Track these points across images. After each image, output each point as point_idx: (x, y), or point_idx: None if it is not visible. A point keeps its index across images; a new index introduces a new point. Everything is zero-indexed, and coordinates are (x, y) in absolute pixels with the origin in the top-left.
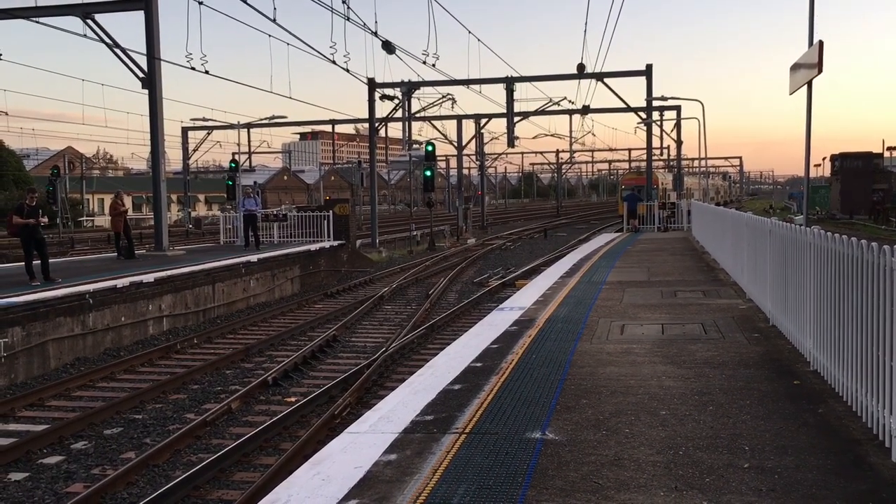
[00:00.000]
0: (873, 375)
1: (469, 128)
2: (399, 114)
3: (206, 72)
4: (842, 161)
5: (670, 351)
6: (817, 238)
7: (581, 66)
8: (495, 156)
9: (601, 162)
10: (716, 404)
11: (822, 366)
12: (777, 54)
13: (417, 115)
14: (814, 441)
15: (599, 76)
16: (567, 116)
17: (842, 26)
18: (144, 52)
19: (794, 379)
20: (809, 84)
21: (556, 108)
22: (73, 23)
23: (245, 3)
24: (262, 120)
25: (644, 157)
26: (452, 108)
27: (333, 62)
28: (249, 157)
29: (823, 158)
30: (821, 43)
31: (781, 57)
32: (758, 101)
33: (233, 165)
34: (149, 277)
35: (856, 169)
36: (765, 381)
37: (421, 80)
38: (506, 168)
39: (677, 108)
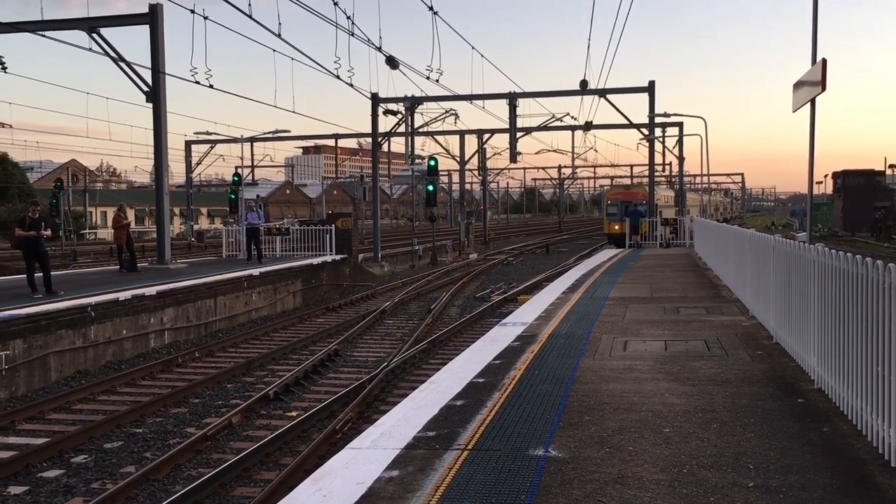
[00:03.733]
0: (878, 394)
1: (471, 143)
2: (402, 128)
3: (211, 86)
4: (844, 178)
5: (673, 368)
6: (821, 255)
7: (584, 83)
8: (497, 171)
9: (603, 178)
10: (720, 422)
11: (827, 384)
12: (780, 71)
13: (420, 130)
14: (819, 460)
15: (602, 92)
16: (569, 132)
17: (845, 43)
18: (149, 65)
19: (799, 397)
20: (813, 102)
21: (558, 123)
22: (79, 36)
23: (250, 18)
24: (265, 134)
25: (646, 173)
26: (455, 123)
27: (337, 77)
28: (252, 171)
29: (825, 175)
30: (824, 61)
31: (785, 73)
32: (760, 118)
33: (236, 179)
34: (151, 290)
35: (858, 186)
36: (769, 399)
37: (424, 95)
38: (508, 183)
39: (679, 125)
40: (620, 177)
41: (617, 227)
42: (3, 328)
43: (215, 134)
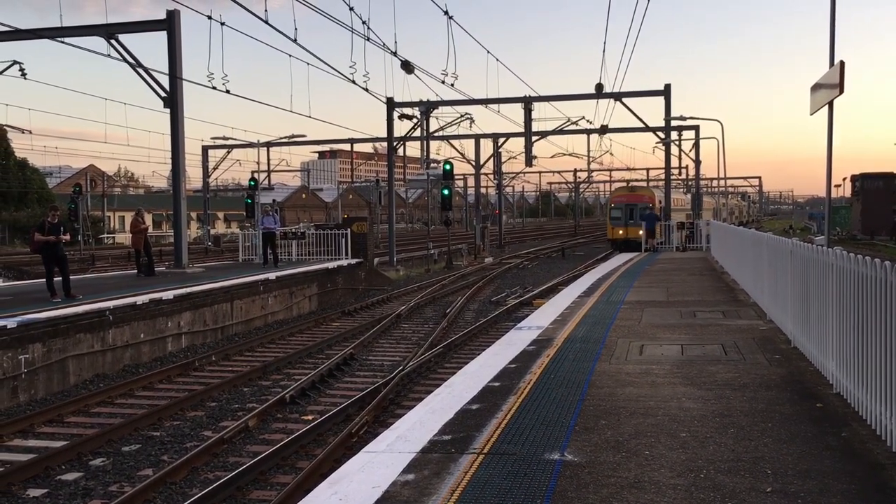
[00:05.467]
0: None
1: (487, 147)
2: (417, 133)
3: (227, 91)
4: (862, 181)
5: (690, 372)
6: (839, 259)
7: (599, 86)
8: (513, 175)
9: (619, 181)
10: (737, 427)
11: (845, 388)
12: (798, 73)
13: (436, 134)
14: (837, 465)
15: (618, 96)
16: (585, 136)
17: (864, 45)
18: (166, 71)
19: (817, 401)
20: (830, 104)
21: (574, 127)
22: (97, 43)
23: (266, 23)
24: (281, 138)
25: (662, 176)
26: (470, 127)
27: (353, 82)
28: (269, 176)
29: (844, 179)
30: (842, 63)
31: (802, 76)
32: (778, 121)
33: (252, 184)
34: (168, 294)
35: (877, 189)
36: (787, 404)
37: (439, 99)
38: (523, 187)
39: (696, 128)
40: (637, 180)
41: (621, 232)
42: (23, 332)
43: (232, 139)
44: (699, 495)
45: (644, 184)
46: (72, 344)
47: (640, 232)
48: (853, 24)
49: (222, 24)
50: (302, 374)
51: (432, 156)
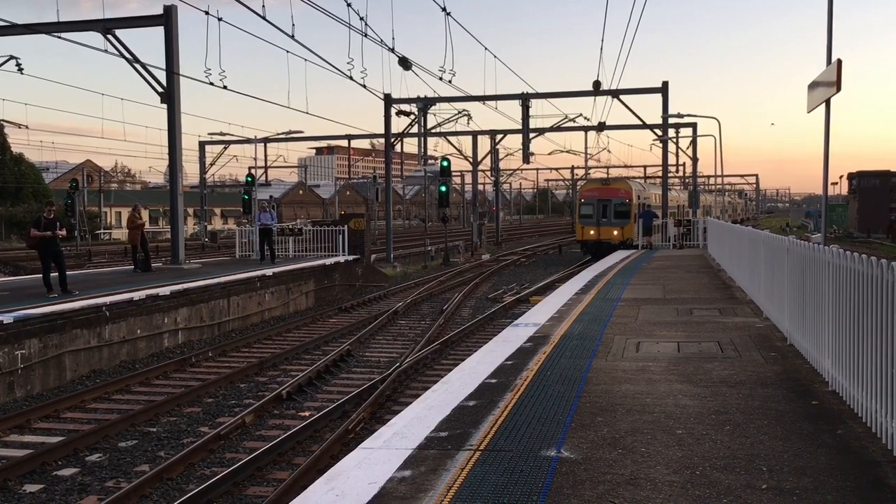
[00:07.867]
0: (893, 396)
1: (484, 143)
2: (415, 129)
3: (225, 87)
4: (859, 179)
5: (686, 369)
6: (835, 257)
7: (597, 83)
8: (510, 171)
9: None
10: (733, 424)
11: (841, 386)
12: (795, 71)
13: (433, 131)
14: (833, 462)
15: (615, 93)
16: (582, 133)
17: (862, 43)
18: (164, 66)
19: (813, 399)
20: (827, 102)
21: (571, 124)
22: (94, 38)
23: (264, 19)
24: (278, 134)
25: (660, 173)
26: (468, 123)
27: (350, 78)
28: (266, 172)
29: (841, 177)
30: (839, 61)
31: (800, 74)
32: (775, 119)
33: (249, 180)
34: (165, 290)
35: (873, 187)
36: (782, 401)
37: (437, 95)
38: (521, 184)
39: (693, 126)
40: (634, 177)
41: (593, 233)
42: (19, 328)
43: (229, 135)
44: (695, 492)
45: (642, 180)
46: (68, 339)
47: (615, 232)
48: (851, 22)
49: (219, 19)
50: (299, 371)
51: (430, 152)
